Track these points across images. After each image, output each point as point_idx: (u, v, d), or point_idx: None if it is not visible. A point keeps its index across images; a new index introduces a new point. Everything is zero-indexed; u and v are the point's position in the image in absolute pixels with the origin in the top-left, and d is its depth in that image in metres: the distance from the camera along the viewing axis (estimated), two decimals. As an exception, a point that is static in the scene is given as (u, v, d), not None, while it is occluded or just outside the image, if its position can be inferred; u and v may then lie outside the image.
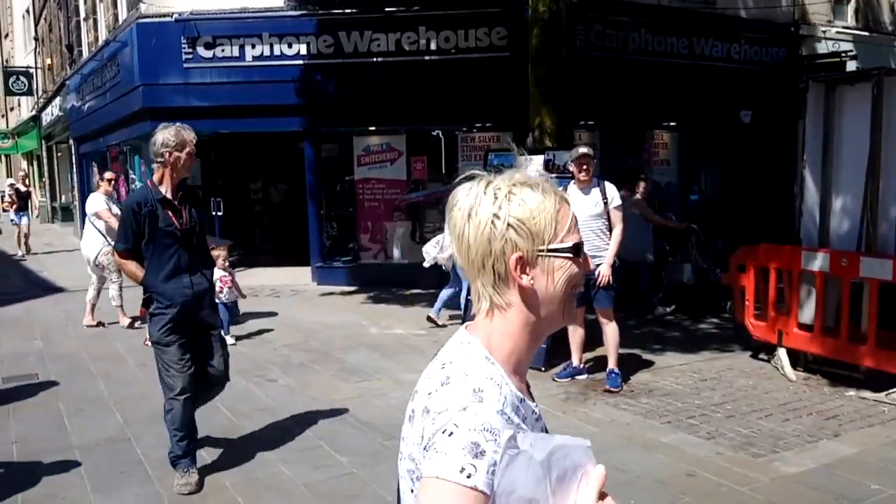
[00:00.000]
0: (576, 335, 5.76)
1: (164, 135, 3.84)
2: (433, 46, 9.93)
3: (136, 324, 7.69)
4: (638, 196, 8.07)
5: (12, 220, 14.85)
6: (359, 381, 5.89)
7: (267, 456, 4.31)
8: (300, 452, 4.36)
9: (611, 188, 5.52)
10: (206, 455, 4.34)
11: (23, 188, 14.81)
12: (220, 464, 4.21)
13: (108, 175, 8.45)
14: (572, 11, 8.09)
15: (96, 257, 7.79)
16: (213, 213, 11.55)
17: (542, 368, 5.99)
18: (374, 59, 10.08)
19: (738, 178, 11.52)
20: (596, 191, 5.48)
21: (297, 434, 4.68)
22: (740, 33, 11.64)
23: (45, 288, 10.73)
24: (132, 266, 3.93)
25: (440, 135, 11.05)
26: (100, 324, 8.03)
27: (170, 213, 3.84)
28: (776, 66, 12.08)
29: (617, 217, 5.49)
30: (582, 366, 5.84)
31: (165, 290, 3.83)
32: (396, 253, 10.90)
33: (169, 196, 3.86)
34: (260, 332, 7.68)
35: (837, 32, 13.02)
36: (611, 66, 10.35)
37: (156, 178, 3.94)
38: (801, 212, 6.04)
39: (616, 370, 5.54)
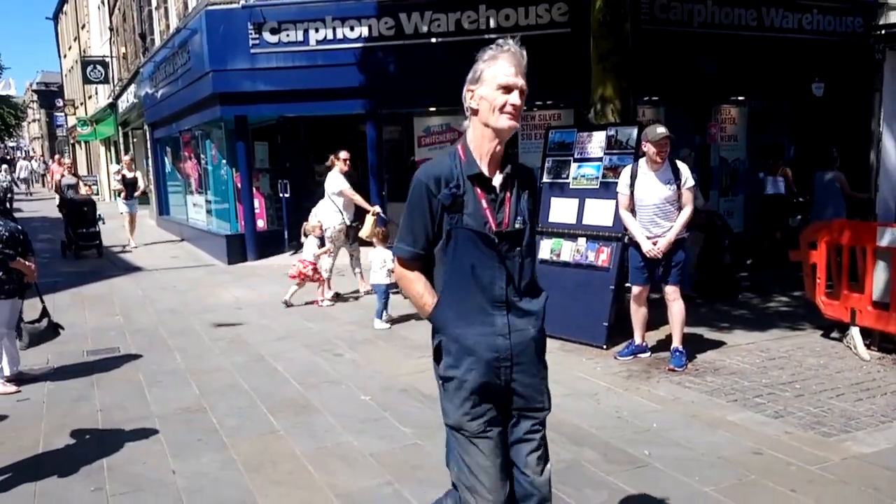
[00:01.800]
0: (638, 314, 5.71)
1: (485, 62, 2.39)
2: (493, 25, 9.88)
3: (324, 303, 8.08)
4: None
5: (124, 211, 13.70)
6: (421, 356, 5.99)
7: (334, 426, 4.47)
8: (366, 423, 4.51)
9: (684, 168, 5.42)
10: (276, 424, 4.53)
11: (129, 174, 13.71)
12: (291, 433, 4.39)
13: (342, 154, 8.33)
14: (636, -16, 7.93)
15: (330, 230, 8.12)
16: (281, 195, 11.90)
17: (605, 346, 5.98)
18: (434, 40, 10.11)
19: (811, 154, 11.07)
20: (668, 172, 5.38)
21: (363, 406, 4.82)
22: (813, 3, 11.11)
23: (124, 268, 11.29)
24: (418, 286, 2.38)
25: (500, 113, 11.02)
26: (337, 295, 8.35)
27: (483, 202, 2.30)
28: (851, 37, 11.49)
29: (688, 197, 5.39)
30: (645, 343, 5.80)
31: (465, 338, 2.31)
32: (457, 232, 10.96)
33: (486, 172, 2.33)
34: (326, 310, 7.89)
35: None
36: (676, 40, 10.07)
37: (470, 137, 2.38)
38: (877, 187, 5.79)
39: (680, 349, 5.47)
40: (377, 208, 8.40)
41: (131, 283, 9.90)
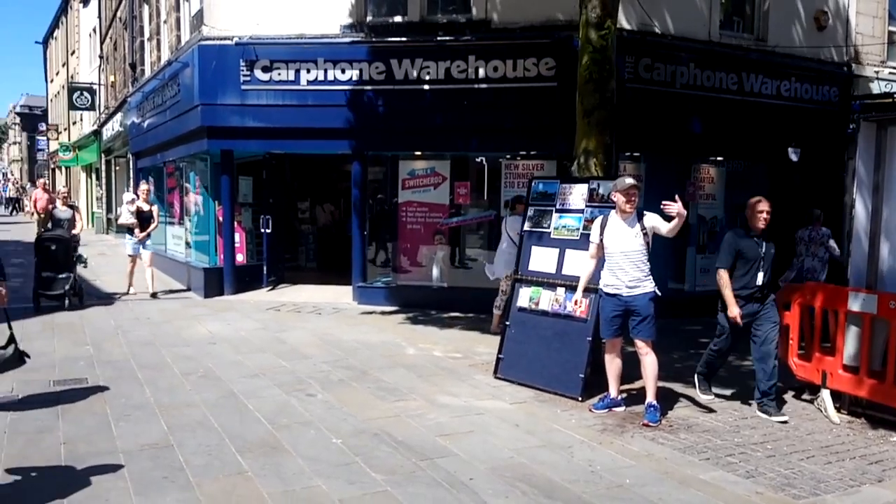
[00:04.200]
0: (613, 365, 5.74)
1: None
2: (482, 75, 10.09)
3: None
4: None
5: (132, 252, 11.26)
6: (395, 400, 5.96)
7: (304, 468, 4.40)
8: (336, 467, 4.44)
9: (650, 217, 5.54)
10: (244, 464, 4.45)
11: (145, 207, 11.37)
12: (259, 473, 4.30)
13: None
14: (621, 44, 8.17)
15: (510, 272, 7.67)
16: (263, 231, 11.87)
17: (580, 398, 5.98)
18: (424, 87, 10.29)
19: (784, 216, 11.34)
20: (637, 223, 5.50)
21: (334, 449, 4.76)
22: (791, 71, 11.51)
23: (97, 296, 11.11)
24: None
25: (484, 161, 11.20)
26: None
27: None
28: (827, 105, 11.91)
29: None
30: (619, 397, 5.81)
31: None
32: (436, 275, 11.00)
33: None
34: (301, 349, 7.82)
35: (891, 73, 12.77)
36: (658, 99, 10.36)
37: None
38: (849, 252, 5.94)
39: (655, 403, 5.50)
40: None
41: (104, 313, 9.74)
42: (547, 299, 6.47)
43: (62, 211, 11.10)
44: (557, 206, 6.71)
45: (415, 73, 10.32)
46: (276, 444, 4.84)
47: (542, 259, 6.65)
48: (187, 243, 13.35)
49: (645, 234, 5.48)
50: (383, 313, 10.20)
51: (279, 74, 10.63)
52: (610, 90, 6.89)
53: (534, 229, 6.82)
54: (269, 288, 11.88)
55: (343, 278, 11.54)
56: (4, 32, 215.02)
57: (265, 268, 12.02)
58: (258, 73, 10.66)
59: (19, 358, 5.53)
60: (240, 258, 11.98)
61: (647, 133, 10.16)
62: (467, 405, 5.86)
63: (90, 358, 7.16)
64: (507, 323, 6.77)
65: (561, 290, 6.39)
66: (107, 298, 10.93)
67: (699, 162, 11.28)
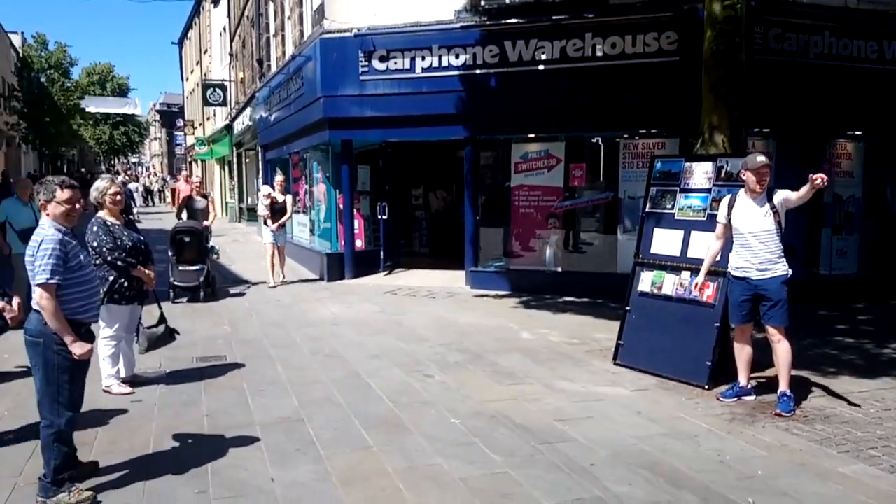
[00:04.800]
0: (742, 353, 5.47)
1: None
2: (599, 53, 9.83)
3: None
4: None
5: (269, 241, 11.09)
6: (511, 384, 5.98)
7: (425, 447, 4.52)
8: (456, 447, 4.52)
9: (780, 193, 5.21)
10: (369, 440, 4.63)
11: (280, 197, 11.20)
12: (383, 449, 4.47)
13: None
14: (749, 13, 7.68)
15: None
16: (379, 217, 12.22)
17: (706, 387, 5.74)
18: (538, 67, 10.16)
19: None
20: (767, 202, 5.19)
21: (454, 429, 4.85)
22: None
23: (233, 280, 11.88)
24: None
25: (600, 142, 10.92)
26: None
27: None
28: None
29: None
30: (749, 386, 5.53)
31: None
32: (550, 260, 10.90)
33: None
34: (418, 331, 8.01)
35: None
36: (790, 71, 9.67)
37: None
38: None
39: (788, 393, 5.19)
40: None
41: (238, 295, 10.40)
42: (670, 283, 6.25)
43: (198, 201, 10.97)
44: (682, 186, 6.44)
45: (529, 55, 10.20)
46: (398, 422, 4.99)
47: (664, 241, 6.42)
48: (311, 230, 13.99)
49: (776, 213, 5.16)
50: (496, 297, 10.24)
51: (395, 63, 10.85)
52: (738, 62, 6.51)
53: (656, 210, 6.59)
54: (386, 272, 12.23)
55: (456, 263, 11.68)
56: (145, 36, 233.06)
57: (382, 253, 12.39)
58: (375, 63, 10.93)
59: (170, 335, 6.06)
60: (359, 244, 12.40)
61: (777, 107, 9.52)
62: (586, 391, 5.78)
63: (228, 337, 7.68)
64: (628, 308, 6.60)
65: (686, 274, 6.15)
66: (241, 282, 11.66)
67: (835, 137, 10.45)
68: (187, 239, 9.90)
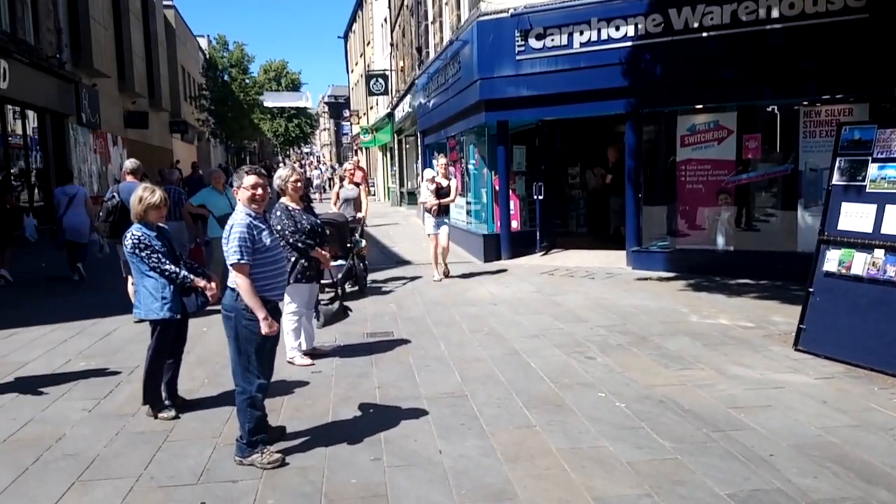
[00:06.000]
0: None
1: None
2: (774, 14, 9.04)
3: None
4: None
5: (431, 231, 10.11)
6: (680, 368, 5.74)
7: (589, 428, 4.47)
8: (621, 430, 4.43)
9: None
10: (532, 418, 4.66)
11: (444, 182, 10.14)
12: (546, 428, 4.48)
13: None
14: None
15: None
16: (535, 197, 12.17)
17: (904, 376, 5.17)
18: (706, 34, 9.56)
19: None
20: None
21: (618, 412, 4.75)
22: None
23: (396, 261, 12.41)
24: None
25: (776, 110, 10.08)
26: None
27: None
28: None
29: None
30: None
31: None
32: (720, 239, 10.28)
33: None
34: (576, 311, 7.91)
35: None
36: None
37: None
38: None
39: None
40: None
41: (402, 275, 10.86)
42: (861, 263, 5.67)
43: (349, 190, 10.07)
44: (875, 155, 5.79)
45: (696, 22, 9.62)
46: (560, 402, 4.98)
47: (854, 216, 5.82)
48: (467, 212, 14.24)
49: None
50: (660, 279, 9.84)
51: (552, 41, 10.70)
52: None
53: (844, 183, 5.98)
54: (542, 253, 12.17)
55: (615, 243, 11.34)
56: (313, 33, 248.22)
57: (538, 233, 12.34)
58: (532, 42, 10.84)
59: (344, 311, 6.47)
60: (514, 225, 12.43)
61: None
62: (763, 378, 5.42)
63: (394, 314, 8.05)
64: (811, 290, 6.07)
65: (879, 253, 5.54)
66: (403, 262, 12.15)
67: None
68: (328, 231, 7.76)
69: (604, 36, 10.30)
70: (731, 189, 10.11)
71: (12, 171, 16.54)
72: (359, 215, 10.00)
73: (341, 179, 11.14)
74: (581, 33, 10.48)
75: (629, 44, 10.13)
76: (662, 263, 10.43)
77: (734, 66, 9.40)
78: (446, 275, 10.36)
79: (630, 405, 4.87)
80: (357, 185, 10.20)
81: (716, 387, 5.24)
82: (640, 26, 10.02)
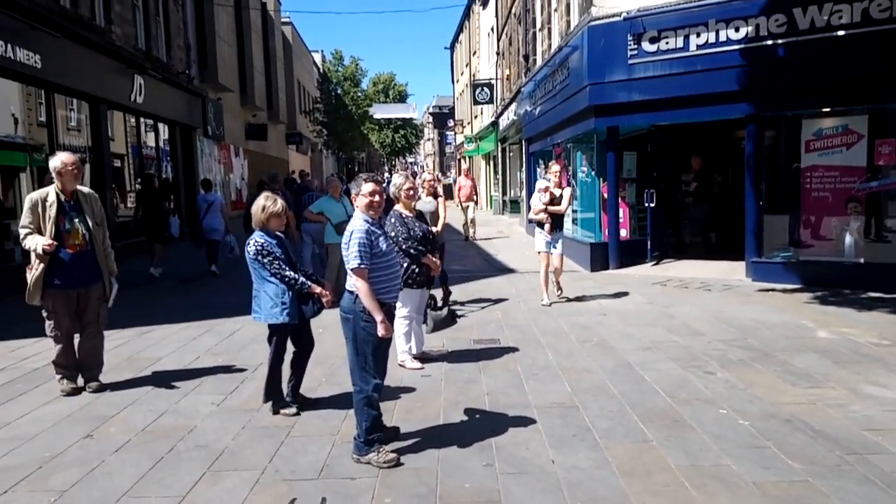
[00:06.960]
0: None
1: None
2: (912, 10, 8.39)
3: None
4: None
5: (542, 249, 9.01)
6: (808, 386, 5.40)
7: (710, 446, 4.28)
8: (745, 449, 4.21)
9: None
10: (648, 433, 4.51)
11: (557, 192, 8.99)
12: (663, 444, 4.32)
13: None
14: None
15: None
16: (646, 205, 11.83)
17: None
18: (835, 34, 8.98)
19: None
20: None
21: (742, 430, 4.52)
22: None
23: (499, 269, 12.41)
24: None
25: (912, 114, 9.34)
26: None
27: None
28: None
29: None
30: None
31: None
32: (848, 250, 9.59)
33: None
34: (692, 324, 7.60)
35: None
36: None
37: None
38: None
39: None
40: None
41: (506, 283, 10.84)
42: None
43: (426, 202, 8.20)
44: None
45: (823, 20, 9.08)
46: (678, 417, 4.80)
47: None
48: (574, 220, 14.03)
49: None
50: (783, 291, 9.31)
51: (667, 44, 10.40)
52: None
53: None
54: (653, 263, 11.80)
55: (732, 253, 10.83)
56: (420, 45, 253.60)
57: (649, 242, 11.98)
58: (645, 46, 10.58)
59: (452, 317, 6.55)
60: (623, 233, 12.14)
61: None
62: (903, 399, 5.01)
63: (499, 322, 8.04)
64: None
65: None
66: (507, 270, 12.13)
67: None
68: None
69: (722, 38, 9.90)
70: (861, 197, 9.43)
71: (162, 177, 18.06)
72: (434, 229, 7.70)
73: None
74: (698, 35, 10.12)
75: (750, 45, 9.68)
76: (784, 275, 9.87)
77: (865, 66, 8.78)
78: (560, 297, 9.33)
79: (754, 423, 4.63)
80: (436, 196, 8.60)
81: (849, 407, 4.89)
82: (761, 27, 9.56)
